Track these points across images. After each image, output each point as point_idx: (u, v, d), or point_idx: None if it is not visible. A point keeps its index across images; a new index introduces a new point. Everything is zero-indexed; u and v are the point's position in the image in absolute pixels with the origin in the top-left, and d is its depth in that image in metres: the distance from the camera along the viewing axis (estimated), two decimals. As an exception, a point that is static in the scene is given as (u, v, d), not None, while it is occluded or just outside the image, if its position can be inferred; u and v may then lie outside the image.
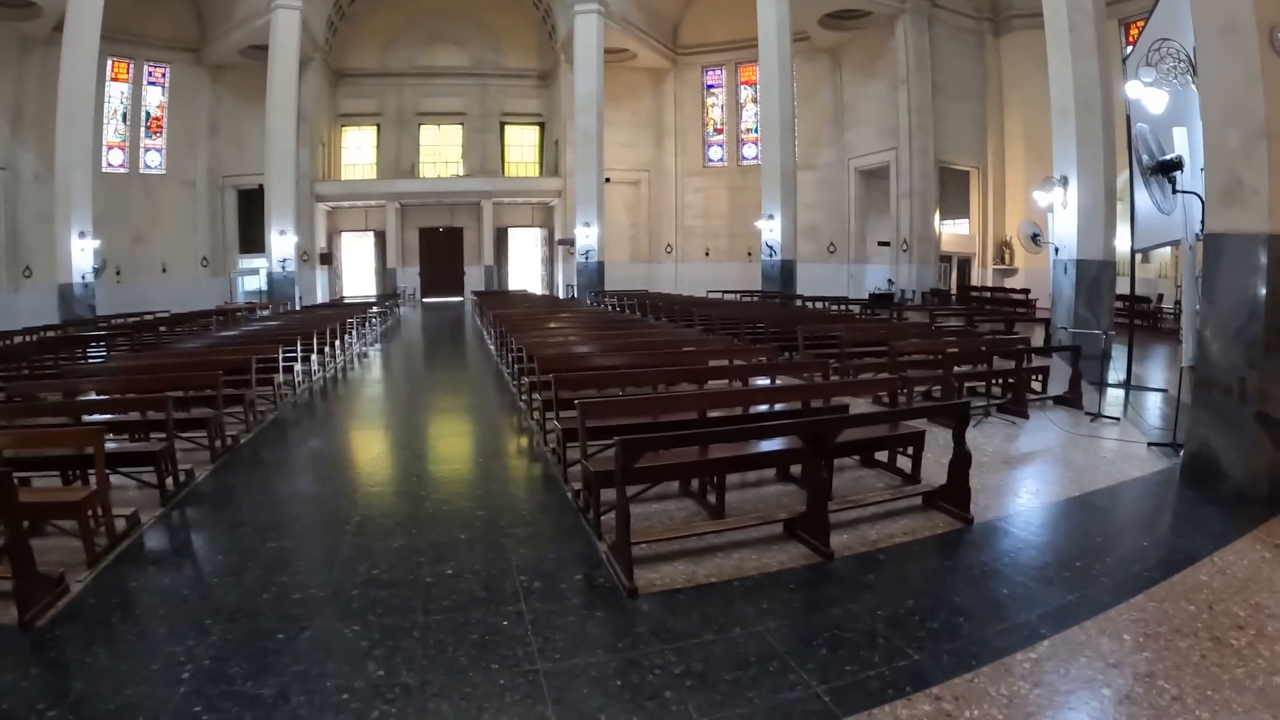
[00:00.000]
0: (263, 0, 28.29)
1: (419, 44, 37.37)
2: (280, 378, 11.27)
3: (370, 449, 9.11)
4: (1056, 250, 16.75)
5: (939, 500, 6.02)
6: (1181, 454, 7.18)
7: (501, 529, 5.73)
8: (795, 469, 6.67)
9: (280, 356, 11.37)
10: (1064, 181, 16.32)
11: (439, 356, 19.47)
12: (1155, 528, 5.94)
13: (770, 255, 27.21)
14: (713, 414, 7.23)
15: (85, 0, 21.97)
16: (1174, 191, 8.38)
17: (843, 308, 22.70)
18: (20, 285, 26.07)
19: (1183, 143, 8.73)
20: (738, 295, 27.70)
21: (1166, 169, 8.26)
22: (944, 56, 28.27)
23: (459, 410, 11.71)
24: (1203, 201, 7.11)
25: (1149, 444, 8.08)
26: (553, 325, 14.87)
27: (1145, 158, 8.30)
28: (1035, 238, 17.04)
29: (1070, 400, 10.31)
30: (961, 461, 5.86)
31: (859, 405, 9.39)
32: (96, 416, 7.84)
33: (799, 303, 24.54)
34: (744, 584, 4.69)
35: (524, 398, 10.48)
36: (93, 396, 8.51)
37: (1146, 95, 8.87)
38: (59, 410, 7.72)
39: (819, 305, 23.34)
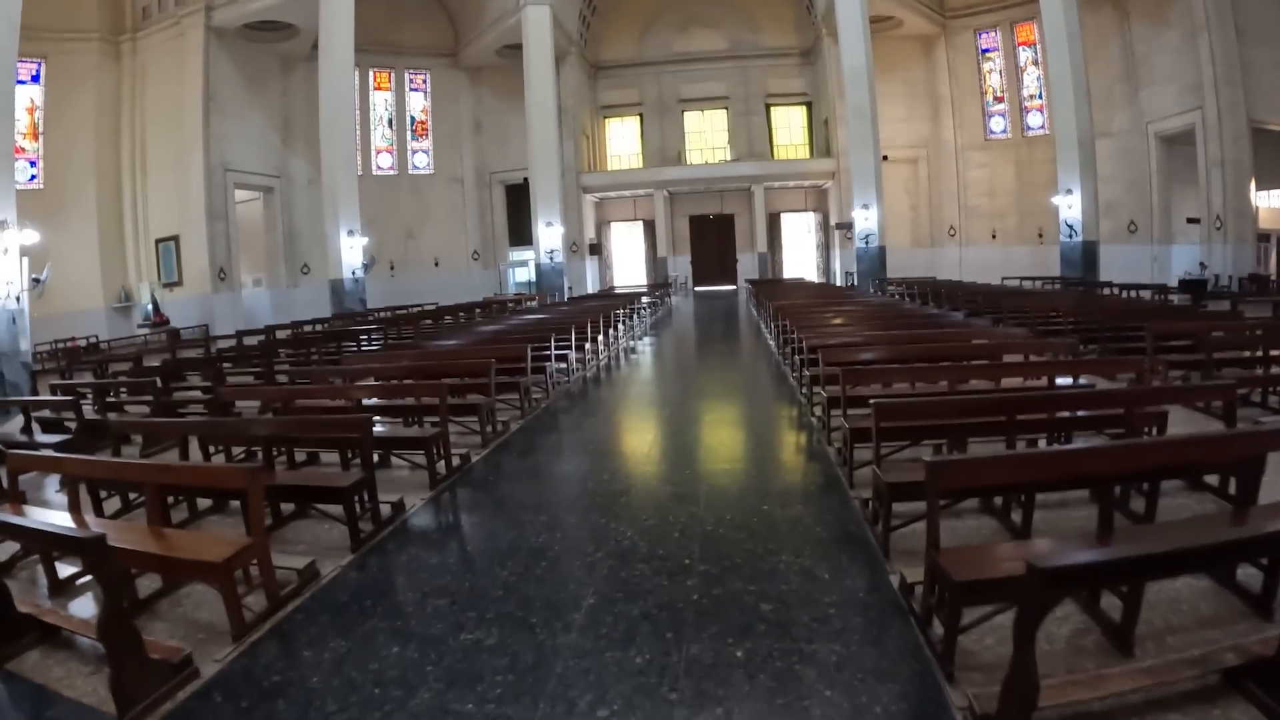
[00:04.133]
0: (511, 0, 28.53)
1: (673, 30, 36.53)
2: (528, 379, 10.15)
3: (619, 493, 6.63)
4: None
5: None
6: None
7: (794, 640, 3.82)
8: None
9: (529, 359, 10.22)
10: None
11: (712, 353, 17.45)
12: None
13: (1070, 236, 23.43)
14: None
15: (336, 17, 23.29)
16: None
17: (1162, 297, 18.72)
18: (299, 281, 28.84)
19: None
20: (1038, 283, 24.10)
21: None
22: (1246, -8, 22.75)
23: (735, 426, 9.67)
24: None
25: None
26: (839, 322, 12.48)
27: None
28: None
29: None
30: None
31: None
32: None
33: (1105, 291, 20.78)
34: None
35: (816, 416, 8.58)
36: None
37: None
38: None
39: (1132, 294, 19.53)
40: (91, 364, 15.37)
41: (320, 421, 6.78)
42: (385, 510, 5.88)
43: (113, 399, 11.22)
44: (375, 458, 7.32)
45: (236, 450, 7.77)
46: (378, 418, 8.72)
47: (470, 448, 8.01)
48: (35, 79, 24.33)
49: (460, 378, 9.37)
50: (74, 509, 5.48)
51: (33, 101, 24.30)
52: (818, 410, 8.53)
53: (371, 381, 9.58)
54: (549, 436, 9.04)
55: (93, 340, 21.67)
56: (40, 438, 8.86)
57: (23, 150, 23.98)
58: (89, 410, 10.27)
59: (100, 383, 11.59)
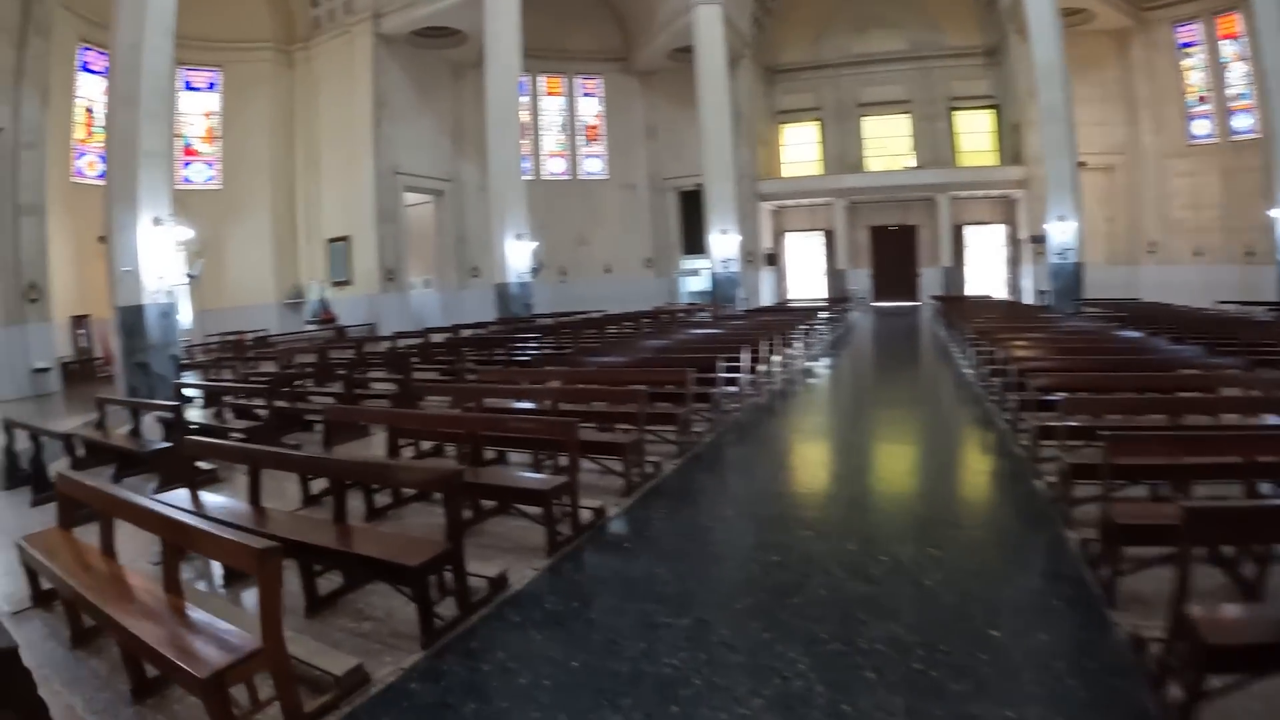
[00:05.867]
0: (681, 1, 27.41)
1: (850, 31, 34.37)
2: (688, 410, 8.40)
3: (790, 589, 4.83)
4: None
5: None
6: None
7: None
8: None
9: (690, 385, 8.49)
10: None
11: (900, 380, 15.24)
12: None
13: (1288, 254, 19.81)
14: None
15: (502, 24, 22.90)
16: None
17: None
18: (468, 284, 28.83)
19: None
20: (1259, 308, 20.47)
21: None
22: None
23: (939, 487, 7.33)
24: None
25: None
26: (1048, 353, 10.06)
27: None
28: None
29: None
30: None
31: None
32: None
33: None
34: None
35: (1046, 481, 6.45)
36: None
37: None
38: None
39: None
40: (241, 359, 15.07)
41: (405, 471, 5.57)
42: (479, 586, 4.45)
43: (242, 401, 10.62)
44: (486, 505, 6.06)
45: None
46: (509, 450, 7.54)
47: (611, 494, 6.53)
48: (212, 87, 25.53)
49: (609, 403, 7.99)
50: (107, 551, 4.42)
51: (208, 109, 25.50)
52: (1049, 474, 6.47)
53: (510, 403, 8.35)
54: (707, 485, 7.31)
55: (260, 335, 21.90)
56: (149, 443, 8.14)
57: (198, 153, 25.29)
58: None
59: (216, 385, 11.15)
